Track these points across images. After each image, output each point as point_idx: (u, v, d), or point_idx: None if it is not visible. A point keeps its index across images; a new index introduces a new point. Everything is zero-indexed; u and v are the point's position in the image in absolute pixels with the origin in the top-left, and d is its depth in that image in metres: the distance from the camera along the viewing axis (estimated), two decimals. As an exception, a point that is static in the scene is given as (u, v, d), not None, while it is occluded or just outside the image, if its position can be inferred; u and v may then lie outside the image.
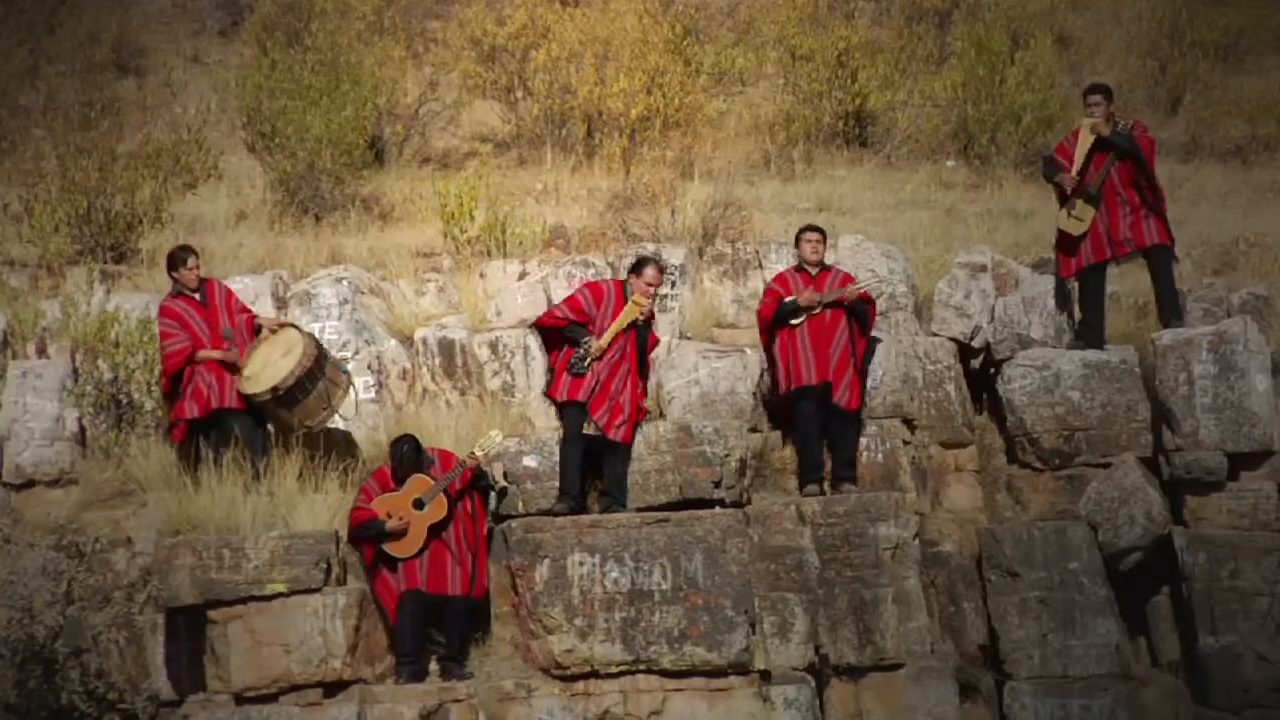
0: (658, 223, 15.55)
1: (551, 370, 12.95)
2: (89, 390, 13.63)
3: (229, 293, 13.22)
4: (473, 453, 12.20)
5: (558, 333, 12.80)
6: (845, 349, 13.01)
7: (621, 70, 19.00)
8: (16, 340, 14.19)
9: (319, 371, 12.61)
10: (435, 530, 11.99)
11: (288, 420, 12.65)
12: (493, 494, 12.53)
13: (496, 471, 12.56)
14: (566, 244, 15.51)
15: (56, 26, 22.97)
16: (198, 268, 13.04)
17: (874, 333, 13.41)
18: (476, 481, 12.28)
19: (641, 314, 12.74)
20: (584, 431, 12.50)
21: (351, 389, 12.99)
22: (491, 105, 20.78)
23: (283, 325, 13.06)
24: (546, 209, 16.81)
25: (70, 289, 14.63)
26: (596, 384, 12.52)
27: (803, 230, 13.53)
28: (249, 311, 13.20)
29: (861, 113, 20.23)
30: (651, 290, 12.90)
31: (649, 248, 14.63)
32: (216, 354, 12.70)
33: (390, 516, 11.96)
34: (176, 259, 13.07)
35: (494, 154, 19.48)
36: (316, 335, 13.16)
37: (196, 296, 12.94)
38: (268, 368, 12.59)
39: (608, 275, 14.25)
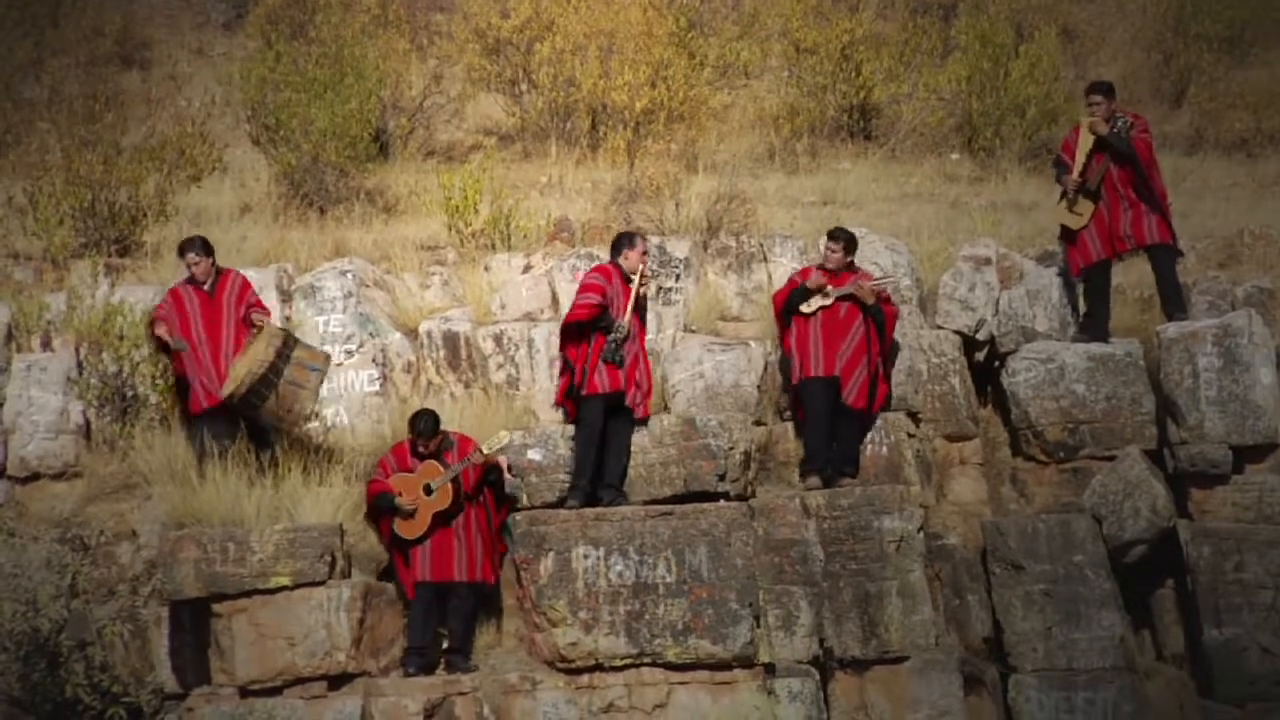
0: (662, 215, 15.54)
1: (574, 369, 12.82)
2: (93, 383, 13.63)
3: (242, 286, 13.04)
4: (481, 450, 12.21)
5: (587, 325, 12.62)
6: (858, 347, 12.97)
7: (626, 63, 18.99)
8: (21, 333, 14.19)
9: (274, 376, 12.45)
10: (443, 518, 12.04)
11: (256, 420, 12.65)
12: (508, 481, 12.49)
13: (503, 464, 12.55)
14: (571, 237, 15.49)
15: (61, 19, 22.97)
16: (197, 264, 12.90)
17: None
18: (487, 477, 12.29)
19: (644, 286, 12.82)
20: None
21: (319, 390, 12.82)
22: (496, 98, 20.78)
23: (261, 326, 12.82)
24: (551, 202, 16.81)
25: (75, 282, 14.62)
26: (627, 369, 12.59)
27: (827, 235, 13.45)
28: (258, 306, 12.99)
29: (866, 106, 20.23)
30: (647, 259, 12.99)
31: (653, 240, 14.61)
32: (162, 331, 12.75)
33: (402, 495, 12.06)
34: (180, 249, 13.16)
35: (498, 147, 19.45)
36: (287, 331, 12.94)
37: (206, 288, 12.92)
38: (234, 368, 12.59)
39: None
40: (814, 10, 20.92)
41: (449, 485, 12.03)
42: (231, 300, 12.90)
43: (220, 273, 13.03)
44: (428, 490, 12.04)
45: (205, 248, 13.04)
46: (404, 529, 12.09)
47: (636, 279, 12.72)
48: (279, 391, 12.51)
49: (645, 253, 12.98)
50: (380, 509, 12.18)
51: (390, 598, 12.25)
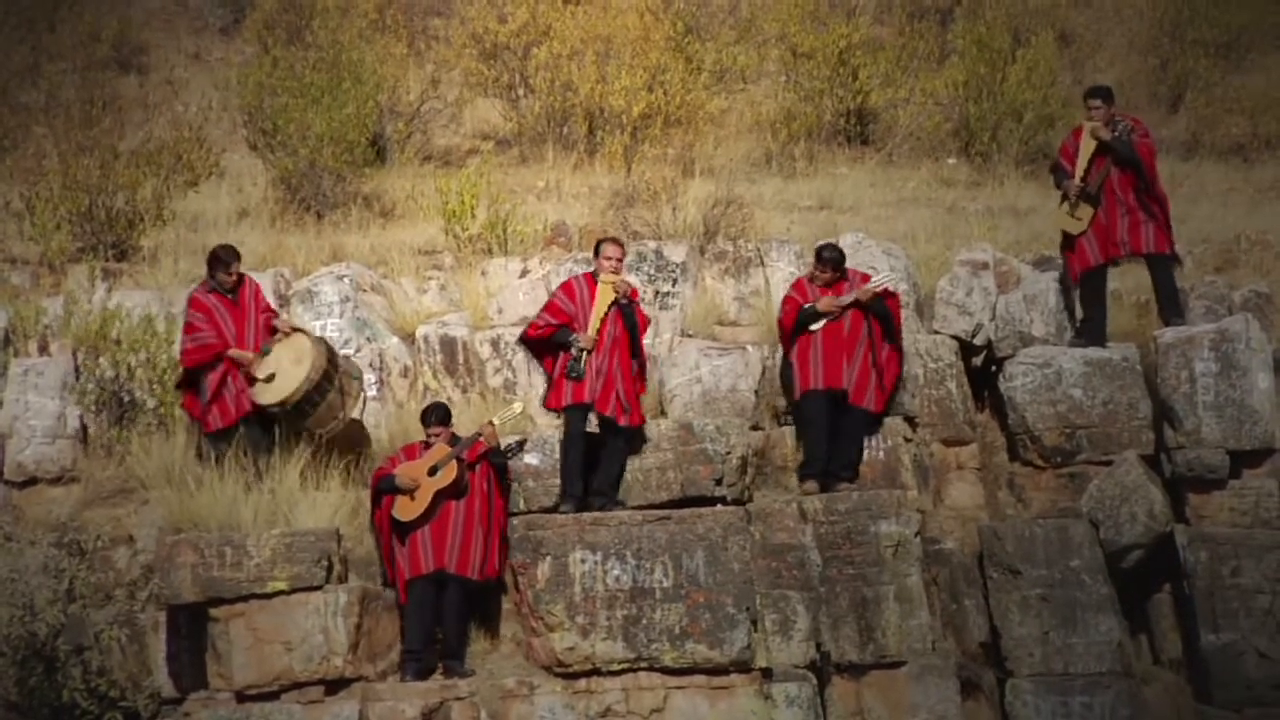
0: (659, 220, 15.54)
1: (549, 380, 12.87)
2: (90, 388, 13.64)
3: (258, 289, 13.08)
4: (490, 421, 12.24)
5: (544, 342, 12.73)
6: (866, 355, 12.93)
7: (623, 68, 19.02)
8: (18, 338, 14.20)
9: (328, 383, 12.58)
10: (445, 497, 12.02)
11: (299, 427, 12.65)
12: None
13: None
14: (568, 241, 15.51)
15: (58, 24, 23.00)
16: (238, 273, 12.87)
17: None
18: (492, 455, 12.29)
19: (617, 291, 12.61)
20: (587, 429, 12.51)
21: (363, 396, 12.98)
22: (493, 103, 20.80)
23: (295, 330, 12.91)
24: (548, 206, 16.82)
25: (72, 287, 14.64)
26: (600, 379, 12.50)
27: (815, 255, 13.34)
28: (271, 311, 13.05)
29: (863, 110, 20.25)
30: (614, 264, 12.74)
31: (650, 245, 14.63)
32: (245, 355, 12.58)
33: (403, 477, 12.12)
34: (218, 262, 12.83)
35: (495, 151, 19.48)
36: (327, 340, 13.04)
37: (230, 295, 12.88)
38: (280, 376, 12.53)
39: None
40: (811, 15, 20.93)
41: (454, 463, 12.05)
42: (252, 306, 12.89)
43: (240, 278, 13.00)
44: (432, 472, 12.07)
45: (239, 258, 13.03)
46: (404, 510, 12.05)
47: (601, 283, 12.64)
48: (329, 400, 12.58)
49: (613, 258, 12.74)
50: (381, 492, 12.18)
51: (387, 603, 12.23)
